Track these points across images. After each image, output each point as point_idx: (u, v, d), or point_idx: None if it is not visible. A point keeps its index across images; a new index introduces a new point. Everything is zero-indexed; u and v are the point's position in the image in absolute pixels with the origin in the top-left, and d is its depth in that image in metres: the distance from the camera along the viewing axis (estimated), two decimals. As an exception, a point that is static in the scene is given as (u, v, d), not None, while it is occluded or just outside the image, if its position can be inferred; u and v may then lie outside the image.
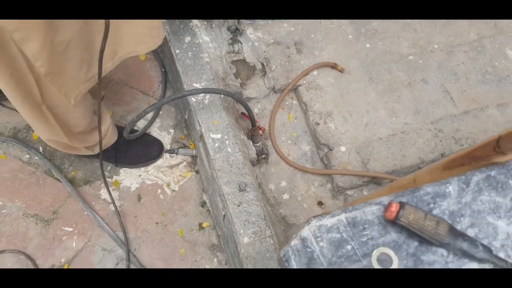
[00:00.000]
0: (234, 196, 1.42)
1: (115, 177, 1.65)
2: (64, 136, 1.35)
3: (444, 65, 1.89)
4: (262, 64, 1.82)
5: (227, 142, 1.49)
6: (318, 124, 1.72)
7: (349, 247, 0.64)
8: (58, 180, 1.61)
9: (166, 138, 1.74)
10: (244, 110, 1.72)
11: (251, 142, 1.60)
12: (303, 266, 0.62)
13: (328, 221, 0.65)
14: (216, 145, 1.48)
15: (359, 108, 1.77)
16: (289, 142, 1.74)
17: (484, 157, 0.74)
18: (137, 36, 1.22)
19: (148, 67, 1.86)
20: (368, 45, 1.91)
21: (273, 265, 1.28)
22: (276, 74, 1.80)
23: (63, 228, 1.56)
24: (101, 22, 1.12)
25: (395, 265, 0.63)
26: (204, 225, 1.62)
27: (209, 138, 1.49)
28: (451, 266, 0.64)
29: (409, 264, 0.64)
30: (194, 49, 1.63)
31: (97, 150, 1.54)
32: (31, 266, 1.48)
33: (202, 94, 1.54)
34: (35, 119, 1.24)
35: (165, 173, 1.69)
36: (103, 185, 1.63)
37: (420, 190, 0.68)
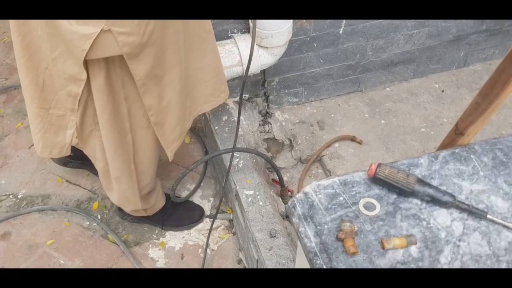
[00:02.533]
0: (265, 242, 1.58)
1: (161, 239, 1.86)
2: (138, 194, 1.60)
3: (454, 134, 2.10)
4: (290, 140, 2.09)
5: (258, 197, 1.70)
6: (342, 187, 1.91)
7: (341, 198, 0.82)
8: (113, 242, 1.84)
9: (206, 205, 1.97)
10: (274, 177, 1.96)
11: (280, 199, 1.80)
12: (305, 211, 0.81)
13: (325, 182, 0.85)
14: (249, 199, 1.69)
15: (379, 173, 1.96)
16: (317, 205, 1.92)
17: (451, 142, 0.94)
18: (204, 96, 1.54)
19: (191, 148, 2.16)
20: (383, 121, 2.17)
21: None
22: (302, 147, 2.05)
23: (114, 282, 1.73)
24: (192, 86, 1.45)
25: (377, 210, 0.81)
26: (240, 279, 1.75)
27: (243, 194, 1.71)
28: (424, 212, 0.81)
29: (390, 209, 0.81)
30: (230, 125, 1.93)
31: (150, 212, 1.78)
32: (85, 316, 1.64)
33: (236, 159, 1.79)
34: (122, 173, 1.49)
35: (205, 235, 1.88)
36: (151, 245, 1.84)
37: (397, 162, 0.88)
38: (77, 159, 1.94)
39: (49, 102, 1.32)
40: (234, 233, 1.89)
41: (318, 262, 0.74)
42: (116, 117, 1.34)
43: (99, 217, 1.92)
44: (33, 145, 2.13)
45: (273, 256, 1.55)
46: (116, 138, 1.39)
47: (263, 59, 1.76)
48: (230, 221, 1.93)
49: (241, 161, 1.81)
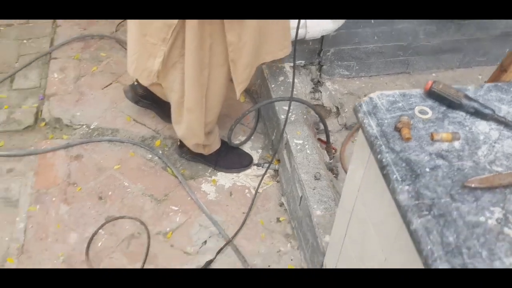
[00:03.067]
0: (310, 182, 1.77)
1: (213, 177, 2.07)
2: (203, 129, 1.81)
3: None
4: (337, 108, 2.28)
5: (306, 146, 1.89)
6: (381, 153, 2.09)
7: (400, 104, 1.01)
8: (171, 174, 2.06)
9: (255, 156, 2.17)
10: (320, 138, 2.14)
11: (325, 153, 1.99)
12: (369, 109, 1.00)
13: (387, 92, 1.04)
14: (298, 147, 1.89)
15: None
16: (356, 166, 2.10)
17: (495, 79, 1.11)
18: (269, 46, 1.74)
19: (246, 106, 2.37)
20: (425, 102, 2.33)
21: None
22: (348, 115, 2.23)
23: (171, 206, 1.95)
24: (262, 35, 1.64)
25: (429, 115, 0.99)
26: (281, 219, 1.95)
27: (293, 143, 1.90)
28: (468, 121, 0.99)
29: (440, 116, 0.99)
30: (285, 85, 2.13)
31: (207, 151, 2.00)
32: (143, 230, 1.86)
33: (289, 114, 1.99)
34: (195, 105, 1.70)
35: (252, 180, 2.08)
36: (204, 181, 2.05)
37: (450, 86, 1.06)
38: (148, 100, 2.17)
39: (147, 29, 1.54)
40: (278, 181, 2.09)
41: (377, 143, 0.93)
42: (200, 51, 1.56)
43: (160, 152, 2.15)
44: (106, 86, 2.41)
45: (316, 194, 1.73)
46: (196, 71, 1.61)
47: (325, 24, 1.96)
48: (275, 171, 2.12)
49: (293, 116, 2.01)
